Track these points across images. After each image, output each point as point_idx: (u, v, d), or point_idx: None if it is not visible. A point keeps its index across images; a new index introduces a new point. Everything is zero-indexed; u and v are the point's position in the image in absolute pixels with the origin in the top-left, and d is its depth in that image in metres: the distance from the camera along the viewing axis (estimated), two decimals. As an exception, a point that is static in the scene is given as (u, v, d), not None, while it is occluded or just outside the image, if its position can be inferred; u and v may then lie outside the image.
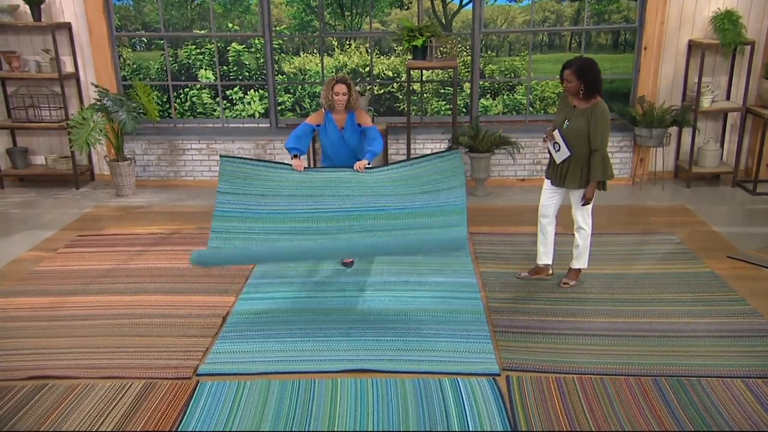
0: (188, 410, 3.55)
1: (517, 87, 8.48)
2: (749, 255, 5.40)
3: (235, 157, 4.88)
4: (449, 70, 7.29)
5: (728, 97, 7.24)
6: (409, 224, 4.38)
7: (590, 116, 4.49)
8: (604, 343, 4.10)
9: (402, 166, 4.78)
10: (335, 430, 3.38)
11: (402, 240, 4.27)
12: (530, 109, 7.76)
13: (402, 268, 5.21)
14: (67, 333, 4.37)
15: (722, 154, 7.32)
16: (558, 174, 4.70)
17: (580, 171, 4.60)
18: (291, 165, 4.77)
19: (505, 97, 8.49)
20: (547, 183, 4.85)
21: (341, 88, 4.88)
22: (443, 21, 7.43)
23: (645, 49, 7.08)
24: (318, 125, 5.02)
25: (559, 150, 4.62)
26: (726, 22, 6.76)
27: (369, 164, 4.81)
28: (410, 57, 7.02)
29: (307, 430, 3.38)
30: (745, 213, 6.47)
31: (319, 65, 8.14)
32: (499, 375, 3.80)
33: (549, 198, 4.84)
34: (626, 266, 5.23)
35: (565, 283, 4.93)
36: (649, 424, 3.34)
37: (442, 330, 4.31)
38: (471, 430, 3.33)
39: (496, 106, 8.31)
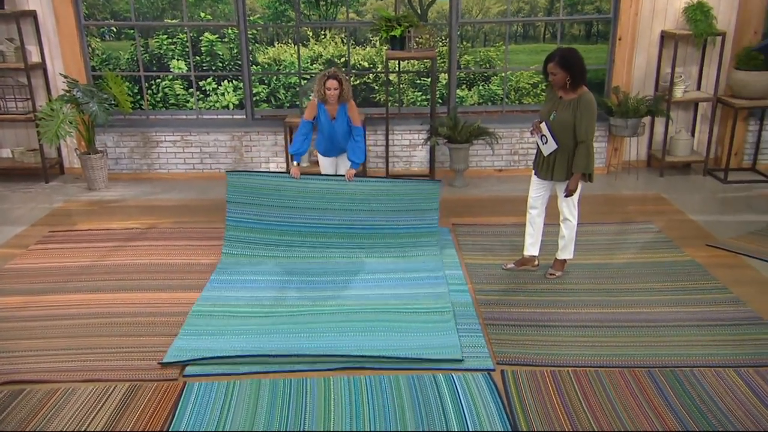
0: (177, 413, 3.43)
1: (492, 77, 8.47)
2: (728, 243, 5.48)
3: (240, 171, 5.66)
4: (425, 60, 7.24)
5: (699, 87, 7.33)
6: (389, 243, 5.31)
7: (576, 107, 4.47)
8: (595, 335, 4.10)
9: (388, 181, 5.63)
10: (331, 429, 3.31)
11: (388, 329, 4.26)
12: (506, 99, 7.77)
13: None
14: (43, 334, 4.20)
15: (693, 143, 7.42)
16: (546, 166, 4.67)
17: (567, 163, 4.59)
18: (289, 173, 5.34)
19: (480, 87, 8.47)
20: (534, 175, 4.82)
21: (332, 83, 5.14)
22: (418, 11, 7.36)
23: (619, 39, 7.11)
24: (314, 118, 5.35)
25: (546, 142, 4.59)
26: (698, 13, 6.82)
27: (355, 172, 5.42)
28: (386, 47, 6.94)
29: (302, 429, 3.31)
30: (718, 201, 6.56)
31: (294, 55, 8.01)
32: (493, 370, 3.76)
33: (537, 190, 4.83)
34: (609, 256, 5.26)
35: (551, 274, 4.93)
36: (647, 416, 3.34)
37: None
38: (470, 426, 3.29)
39: (471, 96, 8.28)
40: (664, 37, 7.08)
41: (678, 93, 7.06)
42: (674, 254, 5.26)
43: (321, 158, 5.64)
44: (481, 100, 8.39)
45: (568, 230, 4.82)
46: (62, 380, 3.73)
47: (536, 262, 5.05)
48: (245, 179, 5.36)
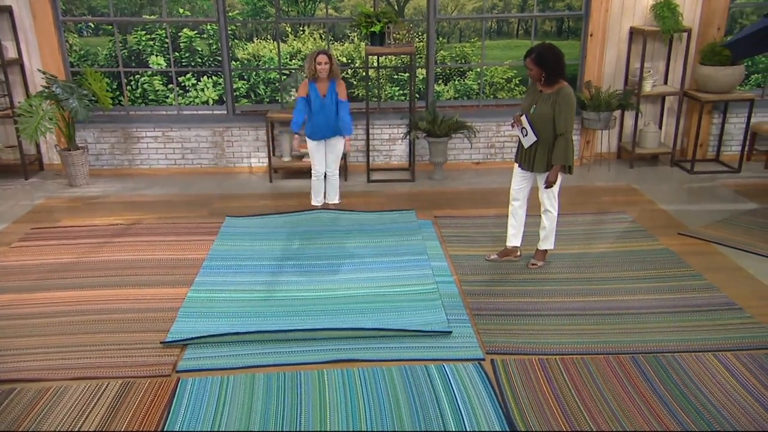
0: (172, 409, 3.46)
1: (467, 73, 8.59)
2: (698, 231, 5.68)
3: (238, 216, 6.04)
4: (402, 56, 7.31)
5: (665, 82, 7.53)
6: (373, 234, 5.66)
7: (555, 101, 4.59)
8: (579, 323, 4.23)
9: (368, 222, 5.92)
10: (327, 422, 3.37)
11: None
12: (481, 94, 7.91)
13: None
14: (32, 332, 4.19)
15: (661, 135, 7.64)
16: (527, 158, 4.80)
17: (547, 155, 4.71)
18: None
19: (456, 82, 8.58)
20: (516, 167, 4.95)
21: (323, 58, 5.55)
22: (395, 7, 7.43)
23: (591, 35, 7.28)
24: (306, 96, 5.68)
25: (526, 135, 4.71)
26: (665, 10, 7.01)
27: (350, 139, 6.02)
28: (365, 43, 7.01)
29: (298, 425, 3.36)
30: (687, 191, 6.78)
31: (273, 51, 8.04)
32: (483, 359, 3.86)
33: (519, 182, 4.95)
34: (587, 246, 5.42)
35: (533, 264, 5.07)
36: (634, 401, 3.46)
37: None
38: (464, 416, 3.38)
39: (447, 91, 8.39)
40: (633, 33, 7.27)
41: (647, 87, 7.26)
42: (649, 243, 5.44)
43: (309, 143, 5.90)
44: (456, 95, 8.50)
45: (549, 221, 4.96)
46: (53, 378, 3.74)
47: (518, 253, 5.18)
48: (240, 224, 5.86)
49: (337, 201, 6.21)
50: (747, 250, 5.26)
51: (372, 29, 6.69)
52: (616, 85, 7.41)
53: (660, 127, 7.62)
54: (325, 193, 6.20)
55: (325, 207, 6.20)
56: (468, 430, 3.29)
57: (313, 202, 6.20)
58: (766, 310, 4.37)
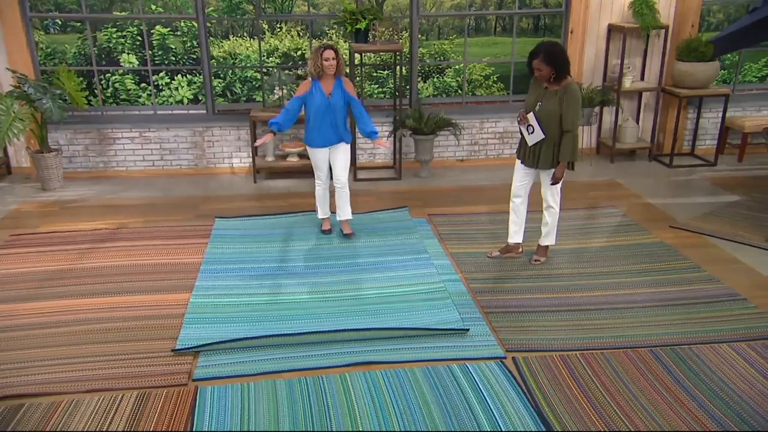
0: (195, 420, 3.33)
1: (446, 70, 8.58)
2: (689, 224, 5.79)
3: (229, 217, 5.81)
4: (381, 54, 7.24)
5: (642, 78, 7.69)
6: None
7: (562, 97, 4.58)
8: (592, 318, 4.25)
9: (364, 222, 5.72)
10: (359, 426, 3.29)
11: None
12: (460, 91, 7.92)
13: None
14: (34, 344, 3.97)
15: (639, 131, 7.79)
16: (531, 155, 4.79)
17: (552, 151, 4.71)
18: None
19: (435, 79, 8.56)
20: (518, 164, 4.93)
21: (330, 53, 5.02)
22: (374, 4, 7.34)
23: (571, 32, 7.36)
24: (305, 93, 5.12)
25: (533, 132, 4.70)
26: (644, 7, 7.15)
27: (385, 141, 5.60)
28: (344, 40, 6.91)
29: (330, 428, 3.28)
30: (669, 185, 6.92)
31: (250, 49, 7.87)
32: (505, 357, 3.84)
33: (521, 178, 4.94)
34: (585, 241, 5.46)
35: (536, 260, 5.08)
36: (661, 395, 3.49)
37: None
38: (496, 415, 3.34)
39: (427, 88, 8.36)
40: (611, 30, 7.38)
41: (627, 83, 7.38)
42: (644, 236, 5.52)
43: (314, 151, 5.30)
44: (436, 92, 8.48)
45: (551, 217, 4.97)
46: (64, 392, 3.54)
47: (520, 249, 5.18)
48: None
49: (350, 216, 5.51)
50: (738, 242, 5.38)
51: (358, 26, 6.60)
52: (595, 81, 7.51)
53: (638, 123, 7.76)
54: (329, 206, 5.61)
55: (336, 230, 5.61)
56: (504, 430, 3.25)
57: (320, 215, 5.58)
58: (769, 300, 4.47)
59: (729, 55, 7.83)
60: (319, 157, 5.31)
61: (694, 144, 7.85)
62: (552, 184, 4.78)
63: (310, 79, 5.15)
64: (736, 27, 5.67)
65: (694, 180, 7.04)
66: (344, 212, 5.48)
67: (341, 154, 5.32)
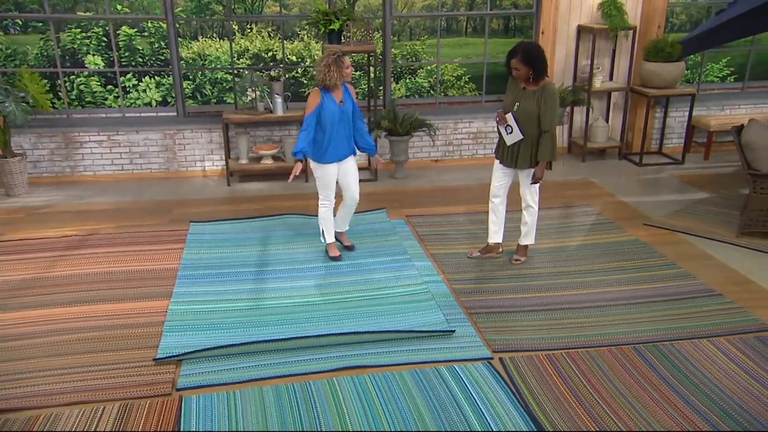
0: (181, 430, 3.25)
1: (418, 71, 8.59)
2: (662, 221, 5.89)
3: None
4: (353, 54, 7.21)
5: (611, 78, 7.81)
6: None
7: (540, 97, 4.61)
8: (574, 316, 4.28)
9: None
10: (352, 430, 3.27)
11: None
12: (432, 91, 7.93)
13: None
14: (9, 356, 3.83)
15: (609, 130, 7.90)
16: (510, 155, 4.80)
17: (531, 151, 4.73)
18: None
19: (407, 80, 8.56)
20: (497, 164, 4.94)
21: (348, 60, 4.75)
22: (346, 5, 7.30)
23: (542, 33, 7.43)
24: (318, 106, 4.73)
25: (511, 132, 4.72)
26: (612, 9, 7.27)
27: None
28: (321, 42, 6.85)
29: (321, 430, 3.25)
30: (640, 183, 7.04)
31: (219, 50, 7.75)
32: (491, 358, 3.84)
33: (500, 179, 4.95)
34: (562, 240, 5.51)
35: (516, 260, 5.10)
36: (647, 391, 3.52)
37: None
38: (487, 416, 3.34)
39: (399, 89, 8.36)
40: (581, 30, 7.47)
41: (597, 83, 7.49)
42: (619, 234, 5.59)
43: (325, 168, 4.89)
44: (408, 93, 8.48)
45: (530, 216, 5.00)
46: (43, 405, 3.43)
47: (500, 249, 5.20)
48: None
49: (348, 227, 5.33)
50: (710, 238, 5.49)
51: (331, 27, 6.55)
52: (566, 81, 7.60)
53: (607, 122, 7.87)
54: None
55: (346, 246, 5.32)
56: (495, 431, 3.25)
57: (328, 240, 5.12)
58: (744, 295, 4.56)
59: (692, 56, 8.00)
60: (330, 174, 4.91)
61: (661, 143, 7.99)
62: (532, 183, 4.81)
63: (317, 89, 4.77)
64: (704, 28, 5.78)
65: (663, 178, 7.17)
66: (344, 224, 5.27)
67: (353, 168, 5.01)
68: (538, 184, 4.86)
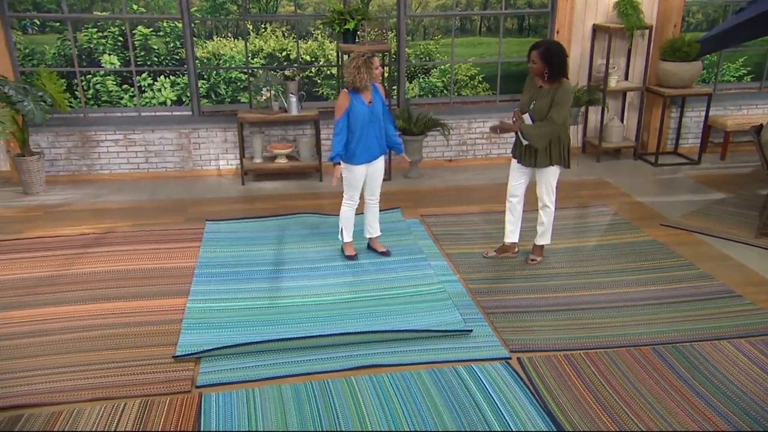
0: (201, 427, 3.26)
1: (431, 70, 8.58)
2: (679, 222, 5.86)
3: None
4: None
5: (627, 77, 7.77)
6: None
7: (554, 95, 4.60)
8: (591, 317, 4.26)
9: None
10: (369, 428, 3.26)
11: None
12: (445, 91, 7.92)
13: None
14: (30, 353, 3.86)
15: (624, 130, 7.87)
16: (527, 154, 4.78)
17: (549, 149, 4.72)
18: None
19: (421, 80, 8.55)
20: (514, 163, 4.93)
21: (378, 61, 4.70)
22: (361, 4, 7.32)
23: (557, 32, 7.41)
24: (348, 108, 4.70)
25: (527, 131, 4.71)
26: (628, 8, 7.23)
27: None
28: (330, 41, 6.86)
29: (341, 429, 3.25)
30: (656, 183, 7.00)
31: (234, 50, 7.77)
32: (510, 358, 3.83)
33: (518, 178, 4.94)
34: (579, 240, 5.48)
35: (532, 260, 5.08)
36: (668, 393, 3.50)
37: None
38: (506, 416, 3.33)
39: (412, 89, 8.35)
40: (596, 30, 7.44)
41: (612, 83, 7.46)
42: (636, 235, 5.56)
43: (354, 170, 4.85)
44: (421, 92, 8.47)
45: (546, 216, 4.98)
46: (65, 401, 3.45)
47: (516, 249, 5.18)
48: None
49: (380, 232, 5.24)
50: (728, 239, 5.46)
51: (346, 26, 6.55)
52: (581, 81, 7.57)
53: (622, 122, 7.83)
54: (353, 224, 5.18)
55: (373, 250, 5.25)
56: (515, 431, 3.24)
57: (346, 238, 5.10)
58: (763, 297, 4.53)
59: (708, 56, 7.95)
60: (358, 175, 4.88)
61: (677, 143, 7.95)
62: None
63: (345, 91, 4.73)
64: (723, 27, 5.76)
65: (679, 178, 7.13)
66: (375, 229, 5.19)
67: (380, 169, 5.00)
68: (555, 184, 4.83)
